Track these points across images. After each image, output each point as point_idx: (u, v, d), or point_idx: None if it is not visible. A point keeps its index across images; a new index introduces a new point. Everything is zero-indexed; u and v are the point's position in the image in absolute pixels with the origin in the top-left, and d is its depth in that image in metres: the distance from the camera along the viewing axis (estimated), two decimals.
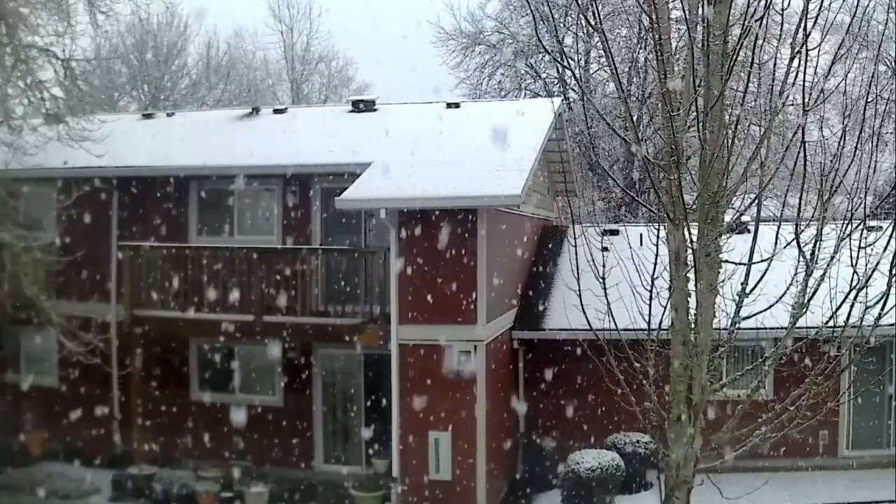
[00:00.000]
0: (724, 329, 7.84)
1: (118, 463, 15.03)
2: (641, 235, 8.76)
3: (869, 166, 7.88)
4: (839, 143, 7.83)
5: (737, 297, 7.78)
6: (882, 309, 7.86)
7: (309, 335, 14.20)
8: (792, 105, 7.79)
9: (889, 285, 7.89)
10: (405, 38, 35.83)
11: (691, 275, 7.56)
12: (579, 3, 7.99)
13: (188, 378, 15.81)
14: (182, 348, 15.70)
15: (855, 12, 7.27)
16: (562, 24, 29.77)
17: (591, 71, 31.30)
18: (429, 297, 13.24)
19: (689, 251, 7.46)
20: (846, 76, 7.77)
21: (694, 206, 7.50)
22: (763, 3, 7.00)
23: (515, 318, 15.76)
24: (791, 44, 7.25)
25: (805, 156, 7.54)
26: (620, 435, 14.53)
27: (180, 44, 34.31)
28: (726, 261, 7.72)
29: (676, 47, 9.56)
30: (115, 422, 15.75)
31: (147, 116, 20.55)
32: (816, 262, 7.80)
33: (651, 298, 7.99)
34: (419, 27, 37.95)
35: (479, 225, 13.24)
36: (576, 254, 8.33)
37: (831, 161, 7.82)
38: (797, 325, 7.85)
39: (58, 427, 15.36)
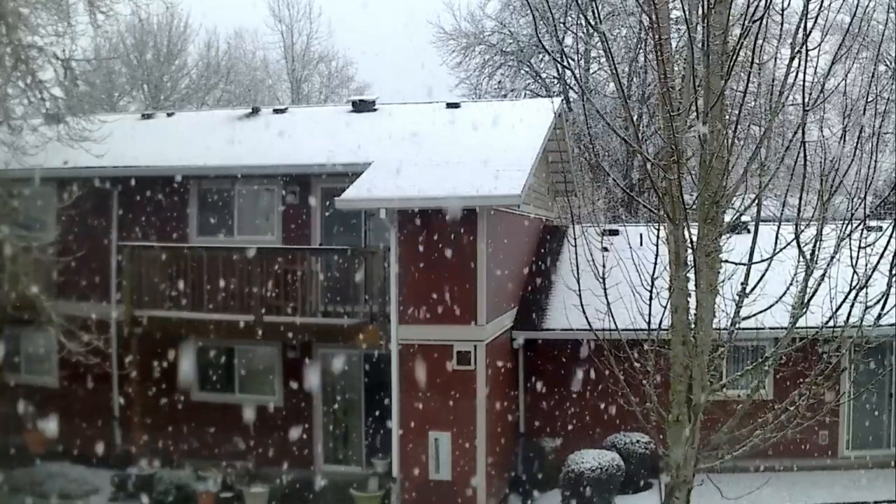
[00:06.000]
0: (724, 329, 7.84)
1: (118, 463, 15.03)
2: (641, 235, 8.77)
3: (869, 166, 7.88)
4: (839, 143, 7.84)
5: (737, 297, 7.78)
6: (882, 309, 7.86)
7: (309, 335, 14.19)
8: (792, 105, 7.78)
9: (889, 285, 7.89)
10: (405, 39, 35.93)
11: (691, 275, 7.56)
12: (579, 3, 7.99)
13: (188, 378, 15.79)
14: (182, 348, 15.67)
15: (855, 12, 7.27)
16: (562, 24, 29.78)
17: (591, 71, 31.33)
18: (429, 297, 13.25)
19: (689, 251, 7.46)
20: (846, 76, 7.77)
21: (694, 206, 7.49)
22: (763, 3, 7.00)
23: (515, 318, 15.75)
24: (791, 44, 7.25)
25: (805, 156, 7.53)
26: (620, 435, 14.53)
27: (180, 44, 34.32)
28: (726, 261, 7.71)
29: (676, 47, 9.56)
30: (115, 421, 15.75)
31: (147, 116, 20.53)
32: (816, 262, 7.80)
33: (651, 298, 7.99)
34: (419, 27, 38.03)
35: (479, 225, 13.24)
36: (576, 254, 8.35)
37: (831, 161, 7.82)
38: (797, 325, 7.85)
39: (58, 427, 15.34)
